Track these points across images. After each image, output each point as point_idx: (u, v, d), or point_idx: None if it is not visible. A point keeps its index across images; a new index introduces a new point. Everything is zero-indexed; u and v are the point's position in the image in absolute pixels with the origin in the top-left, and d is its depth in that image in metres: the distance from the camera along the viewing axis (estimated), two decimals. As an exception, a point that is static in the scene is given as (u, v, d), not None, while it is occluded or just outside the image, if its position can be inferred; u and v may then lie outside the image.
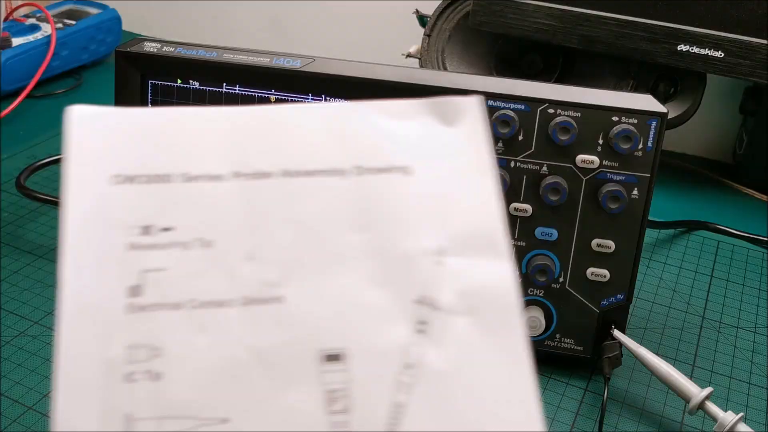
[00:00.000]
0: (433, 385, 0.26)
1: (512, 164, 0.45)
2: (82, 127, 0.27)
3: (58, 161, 0.67)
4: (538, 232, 0.46)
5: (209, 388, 0.25)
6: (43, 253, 0.58)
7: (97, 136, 0.27)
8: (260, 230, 0.27)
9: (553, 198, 0.44)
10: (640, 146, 0.44)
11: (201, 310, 0.26)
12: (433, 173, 0.29)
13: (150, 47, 0.49)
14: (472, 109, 0.30)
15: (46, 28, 0.82)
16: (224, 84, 0.49)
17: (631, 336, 0.47)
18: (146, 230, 0.27)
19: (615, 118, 0.44)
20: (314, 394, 0.25)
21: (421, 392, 0.26)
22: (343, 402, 0.25)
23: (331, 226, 0.28)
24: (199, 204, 0.27)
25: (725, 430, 0.42)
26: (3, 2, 0.89)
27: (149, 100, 0.50)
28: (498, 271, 0.28)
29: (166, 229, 0.27)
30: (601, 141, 0.44)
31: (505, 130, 0.44)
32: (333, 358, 0.26)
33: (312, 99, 0.48)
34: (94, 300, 0.25)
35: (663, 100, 0.68)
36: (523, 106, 0.44)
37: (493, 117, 0.44)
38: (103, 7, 0.90)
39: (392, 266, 0.27)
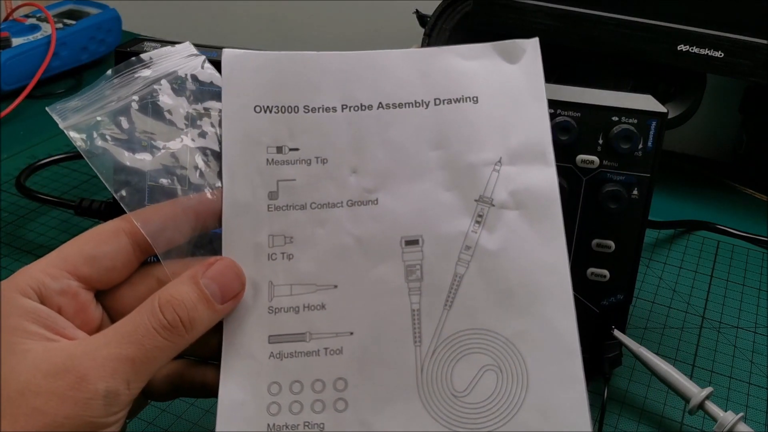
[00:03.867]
0: (485, 260, 0.35)
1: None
2: (233, 66, 0.36)
3: (58, 161, 0.67)
4: (538, 232, 0.46)
5: (325, 264, 0.35)
6: (43, 253, 0.58)
7: (243, 75, 0.36)
8: (362, 150, 0.36)
9: (553, 198, 0.44)
10: (640, 146, 0.44)
11: (319, 210, 0.35)
12: (497, 101, 0.36)
13: (150, 47, 0.49)
14: (531, 49, 0.37)
15: (46, 28, 0.82)
16: (224, 84, 0.48)
17: (631, 336, 0.47)
18: (280, 149, 0.36)
19: (615, 118, 0.44)
20: (398, 268, 0.35)
21: (476, 266, 0.35)
22: (418, 273, 0.35)
23: (415, 146, 0.36)
24: (318, 130, 0.36)
25: (725, 430, 0.42)
26: (3, 2, 0.89)
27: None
28: (544, 175, 0.36)
29: (293, 149, 0.36)
30: (601, 141, 0.44)
31: (505, 130, 0.44)
32: (412, 242, 0.35)
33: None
34: (246, 200, 0.35)
35: (663, 100, 0.68)
36: (523, 106, 0.44)
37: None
38: (103, 7, 0.90)
39: (460, 175, 0.36)
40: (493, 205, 0.35)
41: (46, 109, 0.36)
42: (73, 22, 0.85)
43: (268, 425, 0.33)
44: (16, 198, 0.64)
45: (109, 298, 0.34)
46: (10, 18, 0.84)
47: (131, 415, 0.36)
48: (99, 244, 0.33)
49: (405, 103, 0.36)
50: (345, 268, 0.35)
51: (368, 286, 0.34)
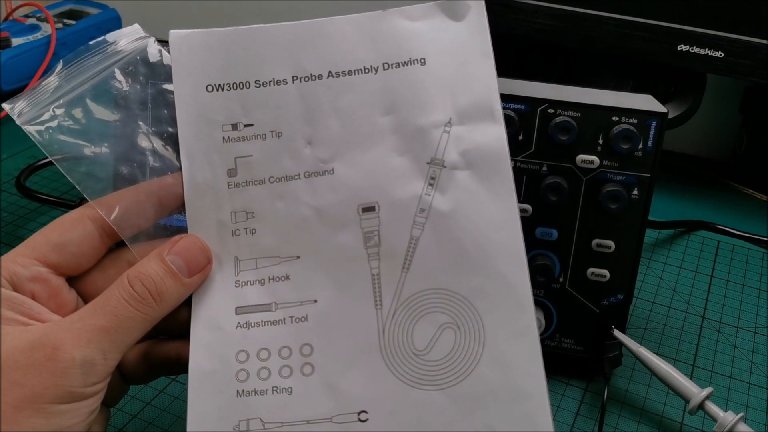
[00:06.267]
0: (439, 222, 0.35)
1: (512, 164, 0.45)
2: (181, 47, 0.37)
3: (58, 161, 0.67)
4: (538, 232, 0.46)
5: (287, 236, 0.36)
6: (43, 253, 0.58)
7: (192, 55, 0.37)
8: (315, 121, 0.36)
9: (553, 198, 0.44)
10: (640, 146, 0.44)
11: (277, 184, 0.36)
12: (445, 61, 0.37)
13: (150, 47, 0.49)
14: (476, 6, 0.37)
15: (46, 28, 0.82)
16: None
17: (631, 336, 0.47)
18: (235, 126, 0.36)
19: (615, 118, 0.44)
20: (356, 235, 0.36)
21: (430, 227, 0.35)
22: (376, 239, 0.36)
23: (366, 113, 0.36)
24: (270, 104, 0.36)
25: (725, 430, 0.42)
26: (3, 2, 0.89)
27: (149, 100, 0.50)
28: (493, 132, 0.36)
29: (248, 125, 0.36)
30: (601, 141, 0.44)
31: (505, 130, 0.45)
32: (369, 209, 0.36)
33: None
34: (206, 180, 0.36)
35: (663, 100, 0.68)
36: (523, 106, 0.44)
37: (493, 117, 0.44)
38: (103, 7, 0.90)
39: (412, 138, 0.36)
40: (445, 167, 0.36)
41: (3, 105, 0.36)
42: (73, 22, 0.85)
43: (237, 391, 0.34)
44: (16, 198, 0.64)
45: (81, 283, 0.35)
46: (10, 18, 0.84)
47: (112, 401, 0.36)
48: (64, 231, 0.34)
49: (354, 70, 0.37)
50: (306, 239, 0.36)
51: (329, 254, 0.36)
